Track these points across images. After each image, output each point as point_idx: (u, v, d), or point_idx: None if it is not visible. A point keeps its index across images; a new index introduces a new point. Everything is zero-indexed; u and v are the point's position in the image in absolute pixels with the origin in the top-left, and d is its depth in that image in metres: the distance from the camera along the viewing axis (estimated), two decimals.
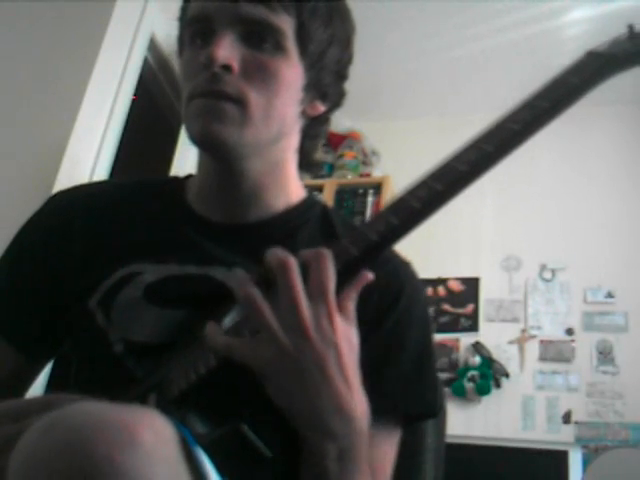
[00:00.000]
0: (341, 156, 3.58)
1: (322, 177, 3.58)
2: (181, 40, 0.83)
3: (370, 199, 3.37)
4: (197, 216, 0.84)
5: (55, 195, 0.92)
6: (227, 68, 0.74)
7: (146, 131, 2.67)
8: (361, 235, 0.62)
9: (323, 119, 0.88)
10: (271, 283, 0.61)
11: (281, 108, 0.78)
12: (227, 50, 0.73)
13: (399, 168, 3.53)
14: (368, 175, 3.55)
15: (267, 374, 0.62)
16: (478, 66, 3.26)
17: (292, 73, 0.78)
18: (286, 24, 0.76)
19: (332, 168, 3.62)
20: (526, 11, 2.86)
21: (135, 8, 2.16)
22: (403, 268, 0.85)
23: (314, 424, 0.63)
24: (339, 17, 0.82)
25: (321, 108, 0.84)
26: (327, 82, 0.82)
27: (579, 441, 2.84)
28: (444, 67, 3.28)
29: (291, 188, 0.86)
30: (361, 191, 3.41)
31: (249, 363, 0.62)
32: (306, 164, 0.89)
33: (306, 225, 0.85)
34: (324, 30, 0.79)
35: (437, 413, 0.82)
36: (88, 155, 1.99)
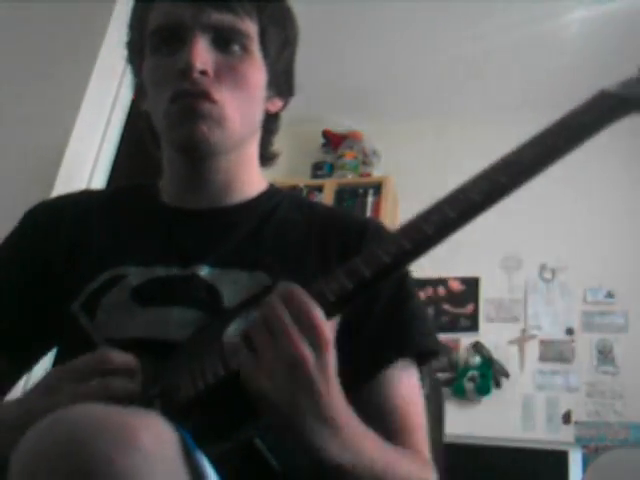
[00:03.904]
0: (341, 156, 3.58)
1: (322, 177, 3.58)
2: (135, 46, 0.87)
3: (370, 199, 3.36)
4: (174, 209, 0.88)
5: (39, 204, 0.95)
6: (204, 73, 0.78)
7: None
8: (374, 256, 0.62)
9: (278, 114, 0.95)
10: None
11: (251, 107, 0.84)
12: (203, 56, 0.78)
13: (399, 168, 3.54)
14: (368, 175, 3.55)
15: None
16: (478, 66, 3.25)
17: (258, 73, 0.84)
18: (251, 29, 0.82)
19: (332, 168, 3.62)
20: (526, 11, 2.86)
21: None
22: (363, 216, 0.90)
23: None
24: (290, 20, 0.90)
25: (279, 104, 0.92)
26: (282, 80, 0.91)
27: (579, 441, 2.83)
28: (444, 67, 3.27)
29: (257, 180, 0.93)
30: (361, 191, 3.41)
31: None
32: (265, 158, 0.95)
33: (281, 204, 0.91)
34: (280, 33, 0.87)
35: (441, 352, 0.86)
36: (88, 155, 1.99)
